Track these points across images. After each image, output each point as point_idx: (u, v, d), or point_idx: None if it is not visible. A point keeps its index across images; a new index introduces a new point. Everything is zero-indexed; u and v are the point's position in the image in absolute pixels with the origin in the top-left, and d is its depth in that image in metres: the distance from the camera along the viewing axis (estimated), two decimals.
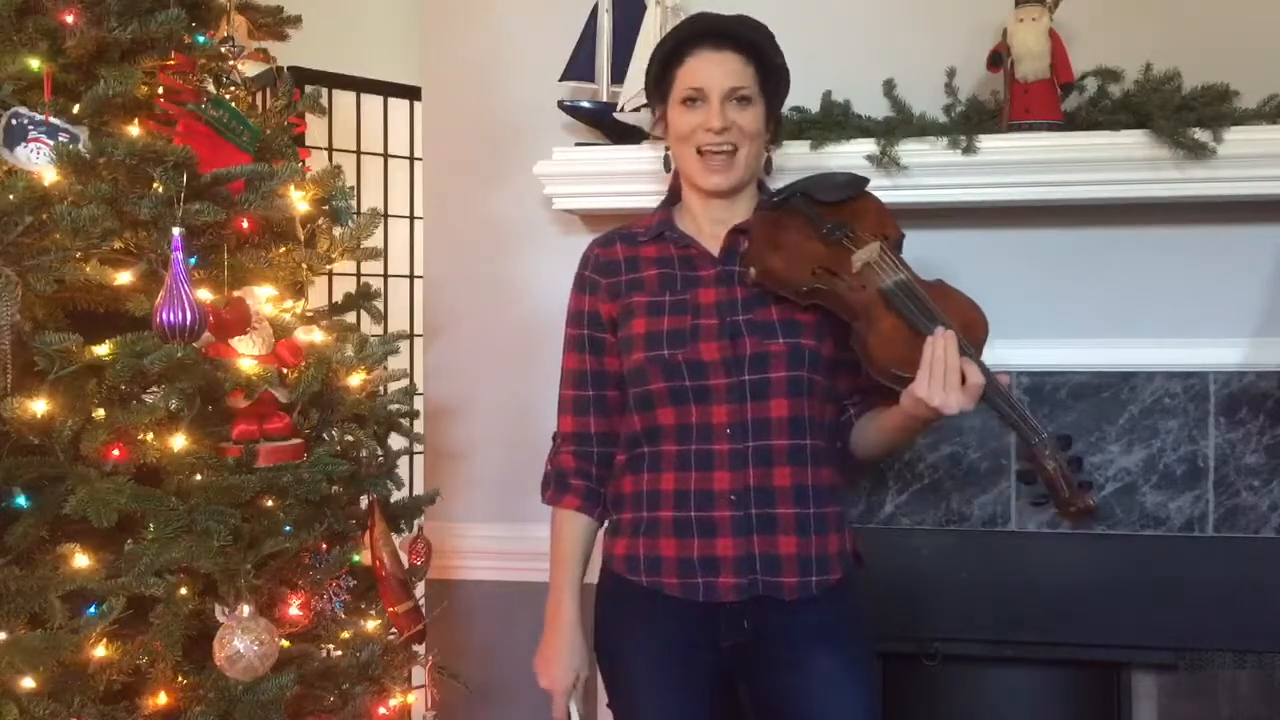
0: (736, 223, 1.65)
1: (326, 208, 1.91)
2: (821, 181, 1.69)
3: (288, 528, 1.68)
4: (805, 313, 1.58)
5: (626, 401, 1.66)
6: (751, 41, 1.60)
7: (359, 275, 3.13)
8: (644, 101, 1.85)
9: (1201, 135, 1.94)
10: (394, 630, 1.88)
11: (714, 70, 1.59)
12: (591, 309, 1.69)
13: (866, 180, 1.71)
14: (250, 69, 1.94)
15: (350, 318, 2.07)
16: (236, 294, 1.69)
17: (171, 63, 1.73)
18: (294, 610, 1.73)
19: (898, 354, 1.48)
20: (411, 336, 2.87)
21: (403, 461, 2.04)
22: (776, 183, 1.76)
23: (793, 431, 1.57)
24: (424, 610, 1.94)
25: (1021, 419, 1.46)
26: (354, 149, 3.66)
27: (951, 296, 1.57)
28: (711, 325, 1.58)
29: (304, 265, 1.84)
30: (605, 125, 2.18)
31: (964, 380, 1.44)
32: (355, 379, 1.87)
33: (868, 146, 2.04)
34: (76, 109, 1.60)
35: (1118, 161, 1.99)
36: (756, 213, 1.66)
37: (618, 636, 1.67)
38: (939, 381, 1.43)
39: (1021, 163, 2.02)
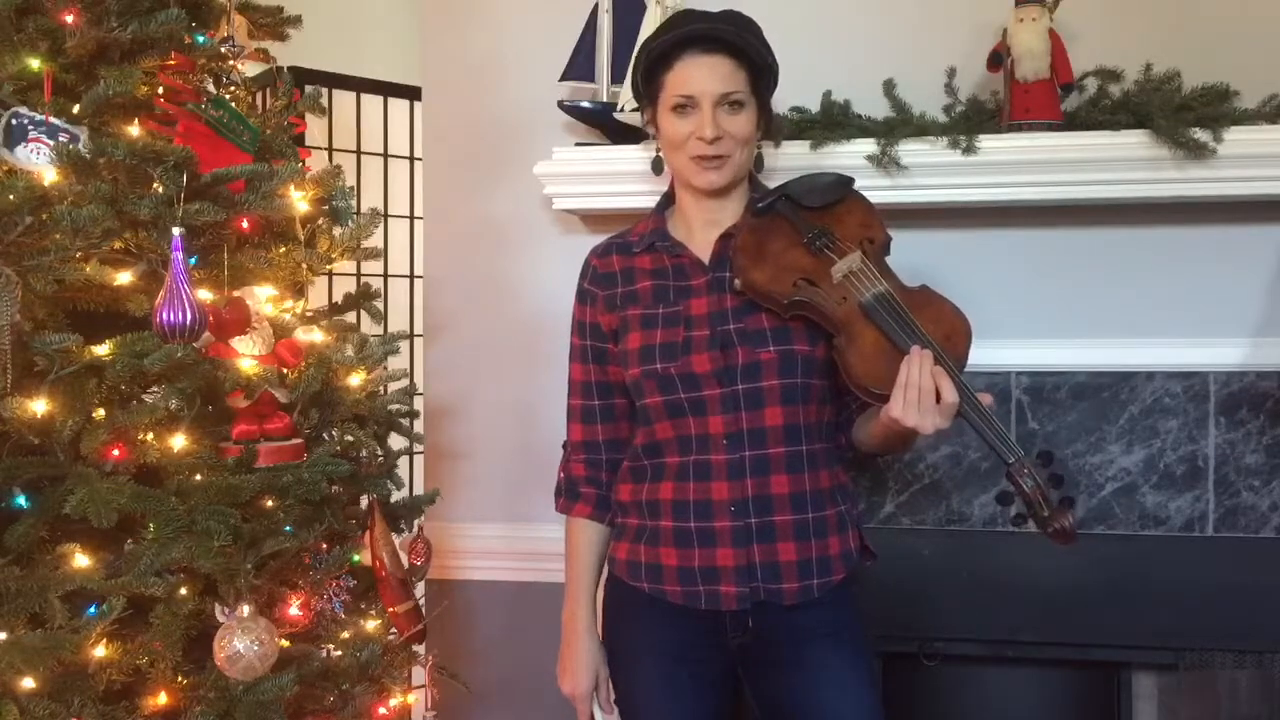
0: (728, 225, 1.64)
1: (326, 208, 1.91)
2: (807, 184, 1.65)
3: (288, 528, 1.68)
4: (794, 319, 1.57)
5: (634, 407, 1.67)
6: (742, 43, 1.57)
7: (359, 275, 3.14)
8: None
9: (1201, 135, 1.94)
10: (394, 630, 1.88)
11: (705, 75, 1.55)
12: (592, 320, 1.69)
13: (852, 181, 1.67)
14: (250, 69, 1.94)
15: (350, 318, 2.07)
16: (236, 294, 1.69)
17: (171, 63, 1.73)
18: (294, 610, 1.73)
19: (875, 372, 1.47)
20: (411, 336, 2.87)
21: (403, 461, 2.04)
22: (773, 182, 1.75)
23: (788, 439, 1.57)
24: (424, 610, 1.94)
25: (998, 437, 1.43)
26: (354, 149, 3.66)
27: (934, 305, 1.53)
28: (703, 336, 1.57)
29: (304, 265, 1.84)
30: (605, 125, 2.18)
31: (940, 399, 1.42)
32: (355, 379, 1.87)
33: (868, 146, 2.04)
34: (76, 109, 1.60)
35: (1118, 161, 1.99)
36: (742, 219, 1.64)
37: (624, 640, 1.68)
38: (913, 405, 1.42)
39: (1021, 163, 2.02)
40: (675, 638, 1.61)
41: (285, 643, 1.69)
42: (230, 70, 1.88)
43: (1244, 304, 2.13)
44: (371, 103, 3.70)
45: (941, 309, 1.53)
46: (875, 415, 1.54)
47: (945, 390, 1.42)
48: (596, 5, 2.17)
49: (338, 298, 2.08)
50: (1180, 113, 1.96)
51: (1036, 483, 1.42)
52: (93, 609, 1.52)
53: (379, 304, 2.09)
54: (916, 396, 1.42)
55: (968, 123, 2.08)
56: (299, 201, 1.81)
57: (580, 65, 2.18)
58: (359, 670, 1.80)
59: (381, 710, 1.84)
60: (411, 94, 3.62)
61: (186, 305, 1.46)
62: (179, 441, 1.59)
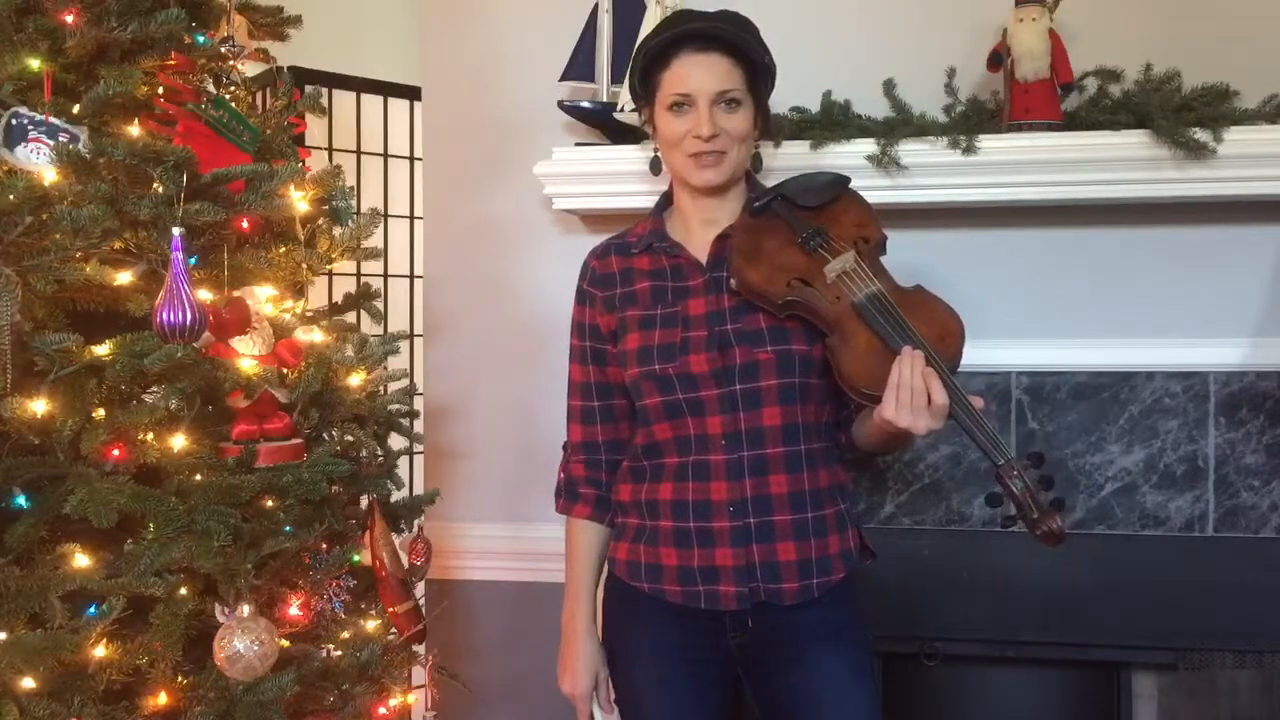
0: (725, 224, 1.64)
1: (326, 208, 1.91)
2: (803, 184, 1.64)
3: (288, 528, 1.68)
4: (791, 319, 1.57)
5: (634, 407, 1.67)
6: (739, 42, 1.57)
7: (359, 275, 3.14)
8: None
9: (1201, 135, 1.94)
10: (394, 630, 1.88)
11: (701, 74, 1.55)
12: (591, 321, 1.69)
13: (848, 180, 1.66)
14: (250, 69, 1.94)
15: (350, 318, 2.07)
16: (236, 294, 1.69)
17: (171, 63, 1.73)
18: (294, 610, 1.73)
19: (867, 372, 1.46)
20: (411, 336, 2.87)
21: (403, 461, 2.04)
22: (772, 182, 1.75)
23: (787, 438, 1.57)
24: (424, 610, 1.94)
25: (987, 438, 1.43)
26: (354, 149, 3.66)
27: (928, 305, 1.52)
28: (700, 337, 1.57)
29: (304, 265, 1.84)
30: (605, 125, 2.18)
31: (931, 400, 1.41)
32: (355, 379, 1.87)
33: (868, 146, 2.04)
34: (76, 109, 1.60)
35: (1118, 161, 1.99)
36: (738, 219, 1.64)
37: (624, 640, 1.68)
38: (905, 406, 1.41)
39: (1021, 163, 2.02)
40: (675, 638, 1.61)
41: (285, 643, 1.69)
42: (230, 70, 1.88)
43: (1244, 304, 2.13)
44: (371, 103, 3.70)
45: (935, 309, 1.52)
46: (872, 415, 1.54)
47: (935, 392, 1.41)
48: (596, 5, 2.17)
49: (338, 298, 2.08)
50: (1180, 113, 1.96)
51: (1026, 485, 1.41)
52: (93, 609, 1.52)
53: (379, 304, 2.09)
54: (909, 397, 1.41)
55: (968, 123, 2.08)
56: (299, 201, 1.81)
57: (580, 65, 2.18)
58: (359, 670, 1.80)
59: (381, 710, 1.84)
60: (411, 94, 3.62)
61: (186, 305, 1.46)
62: (179, 441, 1.59)
